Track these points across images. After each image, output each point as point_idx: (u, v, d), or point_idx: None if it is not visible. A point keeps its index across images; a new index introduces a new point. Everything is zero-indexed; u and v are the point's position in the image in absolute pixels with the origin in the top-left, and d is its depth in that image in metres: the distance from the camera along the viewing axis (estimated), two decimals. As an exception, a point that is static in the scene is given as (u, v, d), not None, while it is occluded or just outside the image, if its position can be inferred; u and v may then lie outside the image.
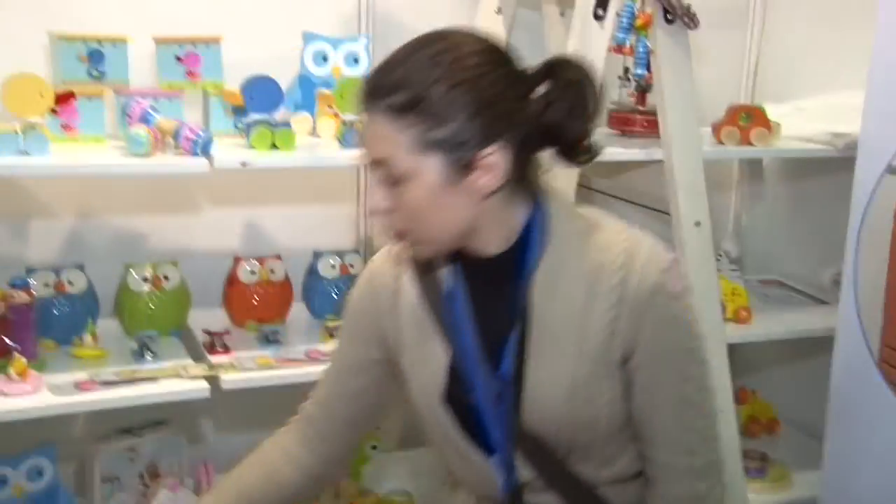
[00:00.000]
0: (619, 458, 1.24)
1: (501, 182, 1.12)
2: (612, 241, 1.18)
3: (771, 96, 2.59)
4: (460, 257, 1.21)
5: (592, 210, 1.27)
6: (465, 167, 1.10)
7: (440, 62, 1.08)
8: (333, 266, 2.11)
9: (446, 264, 1.24)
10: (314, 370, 1.83)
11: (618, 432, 1.21)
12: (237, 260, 2.06)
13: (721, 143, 2.18)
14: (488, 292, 1.20)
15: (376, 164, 1.12)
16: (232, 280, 2.06)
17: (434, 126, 1.08)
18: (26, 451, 1.88)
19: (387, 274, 1.30)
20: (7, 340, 1.72)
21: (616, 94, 2.31)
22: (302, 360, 1.86)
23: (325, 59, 2.03)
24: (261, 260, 2.07)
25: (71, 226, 2.09)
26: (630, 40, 1.95)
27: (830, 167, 2.32)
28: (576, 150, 1.18)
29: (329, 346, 1.94)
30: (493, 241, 1.18)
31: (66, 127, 1.79)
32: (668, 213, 2.02)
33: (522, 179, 1.17)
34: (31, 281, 1.86)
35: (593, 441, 1.21)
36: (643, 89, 2.21)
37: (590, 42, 1.93)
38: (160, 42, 1.90)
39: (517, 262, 1.19)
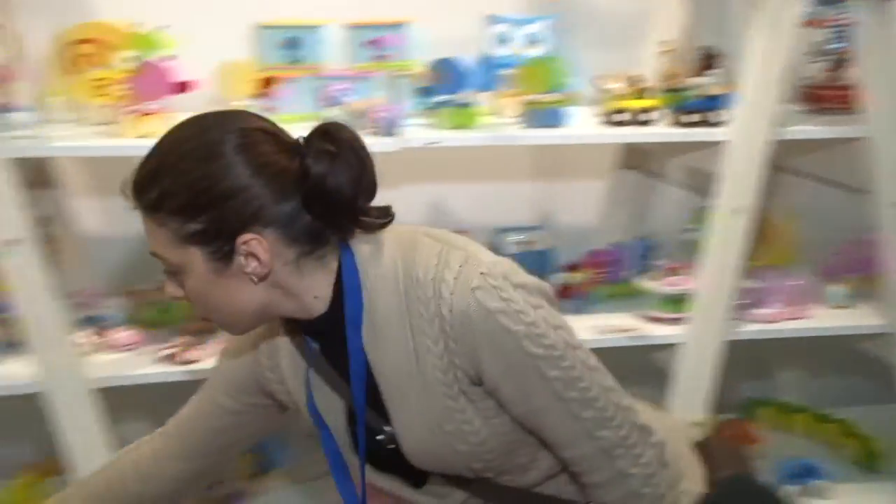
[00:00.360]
0: (537, 462, 1.19)
1: (273, 264, 1.09)
2: (424, 270, 1.11)
3: None
4: (294, 321, 1.20)
5: (410, 233, 1.17)
6: (225, 255, 1.09)
7: (185, 155, 1.07)
8: (519, 242, 2.14)
9: (288, 328, 1.24)
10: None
11: (518, 443, 1.17)
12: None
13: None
14: (337, 350, 1.17)
15: (154, 256, 1.13)
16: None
17: (186, 221, 1.07)
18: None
19: (262, 333, 1.29)
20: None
21: (807, 69, 2.21)
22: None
23: (507, 40, 2.06)
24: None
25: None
26: (827, 13, 1.86)
27: None
28: (354, 217, 1.13)
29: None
30: (307, 306, 1.15)
31: (268, 109, 1.92)
32: (868, 192, 1.93)
33: (311, 247, 1.11)
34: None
35: (496, 459, 1.16)
36: (839, 63, 2.10)
37: (780, 15, 1.86)
38: (352, 26, 2.00)
39: (342, 318, 1.15)
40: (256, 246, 1.08)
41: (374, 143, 1.80)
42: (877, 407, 2.26)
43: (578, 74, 2.12)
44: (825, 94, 2.14)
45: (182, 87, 1.77)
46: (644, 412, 1.18)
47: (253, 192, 1.06)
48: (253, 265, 1.09)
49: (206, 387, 1.36)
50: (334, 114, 1.79)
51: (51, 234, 2.00)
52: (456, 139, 1.85)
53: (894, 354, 1.98)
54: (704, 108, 1.92)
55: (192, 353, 1.77)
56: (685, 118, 1.94)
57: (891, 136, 1.88)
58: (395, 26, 2.02)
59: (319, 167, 1.07)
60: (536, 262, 2.09)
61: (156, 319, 1.92)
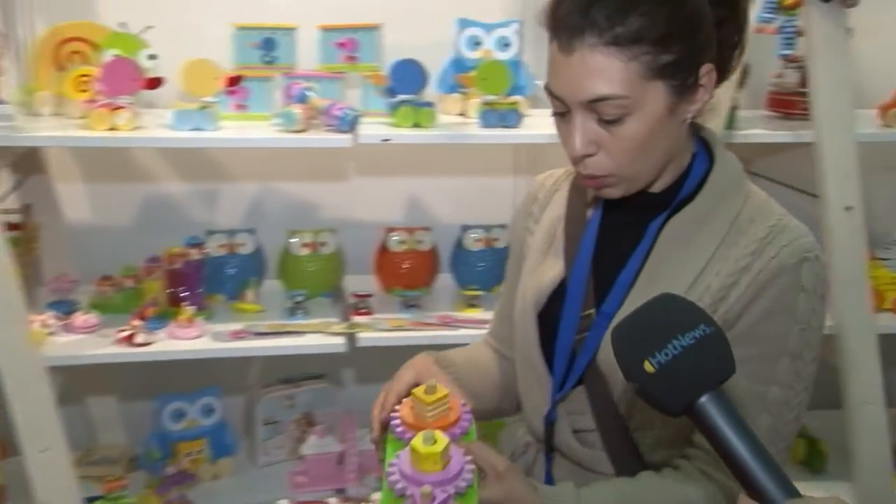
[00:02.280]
0: (667, 423, 1.17)
1: (705, 103, 1.11)
2: (764, 212, 1.14)
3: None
4: None
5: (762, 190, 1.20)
6: (686, 90, 1.08)
7: None
8: (478, 239, 2.21)
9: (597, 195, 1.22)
10: (443, 333, 1.98)
11: None
12: (387, 230, 2.22)
13: (887, 125, 2.05)
14: (619, 228, 1.19)
15: (594, 102, 1.06)
16: (381, 248, 2.22)
17: (661, 51, 1.04)
18: (199, 390, 2.15)
19: (546, 188, 1.33)
20: (179, 292, 1.98)
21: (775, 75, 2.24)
22: (433, 323, 2.00)
23: (477, 43, 2.13)
24: (410, 230, 2.21)
25: (250, 195, 2.34)
26: (775, 20, 1.89)
27: None
28: (731, 64, 1.15)
29: (466, 314, 2.07)
30: (666, 177, 1.16)
31: (238, 106, 2.02)
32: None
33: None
34: (207, 241, 2.12)
35: None
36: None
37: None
38: (324, 28, 2.09)
39: (662, 203, 1.16)
40: (712, 76, 1.10)
41: (330, 140, 1.90)
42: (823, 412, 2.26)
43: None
44: (790, 101, 2.16)
45: (151, 83, 1.88)
46: None
47: (707, 23, 1.08)
48: (705, 98, 1.10)
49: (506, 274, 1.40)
50: (291, 110, 1.88)
51: (34, 221, 2.14)
52: (410, 137, 1.93)
53: (839, 358, 2.00)
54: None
55: (145, 336, 1.86)
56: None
57: (838, 140, 1.89)
58: (367, 30, 2.10)
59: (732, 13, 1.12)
60: (497, 258, 2.15)
61: (117, 305, 2.02)
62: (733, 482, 0.93)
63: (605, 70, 1.04)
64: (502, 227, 2.28)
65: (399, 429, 1.04)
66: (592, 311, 1.19)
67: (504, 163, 2.41)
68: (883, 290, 2.13)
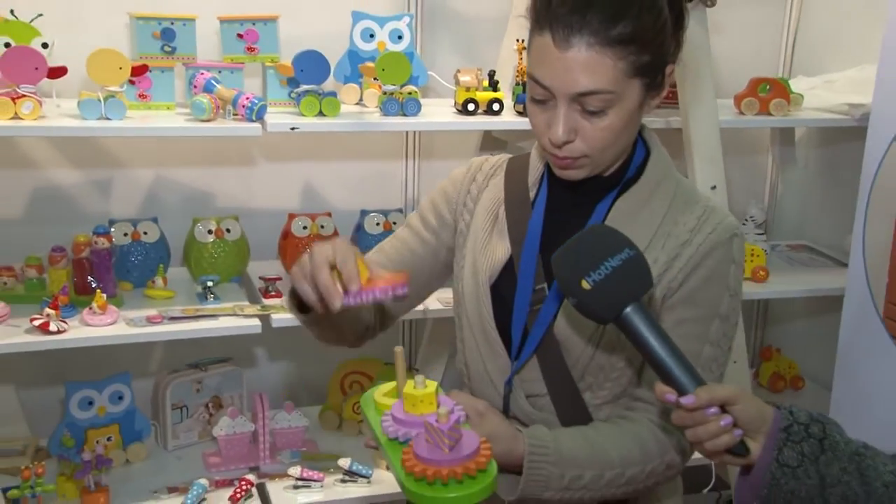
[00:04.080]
0: (616, 382, 1.31)
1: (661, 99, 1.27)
2: (695, 196, 1.32)
3: (808, 69, 2.70)
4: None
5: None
6: (654, 87, 1.23)
7: None
8: (378, 223, 2.32)
9: (539, 177, 1.36)
10: (353, 312, 2.08)
11: (630, 361, 1.29)
12: (291, 216, 2.30)
13: (742, 112, 2.30)
14: (566, 209, 1.31)
15: (583, 95, 1.18)
16: (286, 234, 2.30)
17: (642, 53, 1.18)
18: (108, 377, 2.16)
19: (484, 171, 1.43)
20: (90, 280, 2.00)
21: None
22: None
23: (372, 35, 2.24)
24: (312, 216, 2.30)
25: (148, 183, 2.36)
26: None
27: (857, 136, 2.41)
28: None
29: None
30: (617, 161, 1.30)
31: (141, 95, 2.05)
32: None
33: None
34: (112, 230, 2.13)
35: (607, 363, 1.28)
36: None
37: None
38: (224, 20, 2.14)
39: (609, 186, 1.31)
40: (672, 76, 1.25)
41: (240, 129, 1.96)
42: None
43: (440, 68, 2.33)
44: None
45: (53, 72, 1.89)
46: None
47: (669, 27, 1.22)
48: (662, 95, 1.25)
49: (406, 223, 1.48)
50: (202, 100, 1.93)
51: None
52: (317, 126, 2.02)
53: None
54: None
55: (59, 325, 1.88)
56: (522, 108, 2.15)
57: (703, 127, 2.12)
58: (266, 21, 2.17)
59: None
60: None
61: (21, 295, 2.02)
62: (673, 427, 1.13)
63: (597, 66, 1.16)
64: (399, 210, 2.41)
65: (391, 429, 1.10)
66: (545, 284, 1.32)
67: (397, 149, 2.53)
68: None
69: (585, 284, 1.10)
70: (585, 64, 1.16)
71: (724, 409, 1.08)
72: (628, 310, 1.10)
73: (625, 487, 1.27)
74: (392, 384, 1.17)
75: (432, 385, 1.08)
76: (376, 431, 1.11)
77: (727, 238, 1.28)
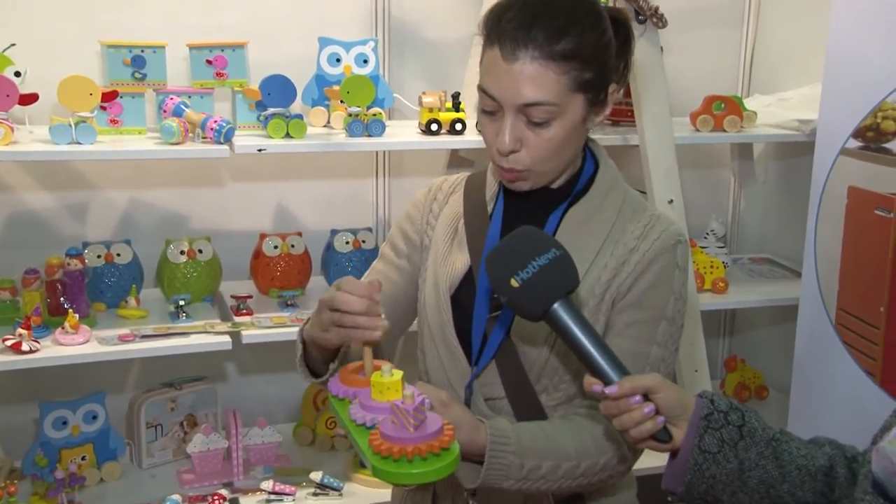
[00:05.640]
0: (571, 383, 1.37)
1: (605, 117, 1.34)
2: (641, 206, 1.40)
3: (765, 88, 2.79)
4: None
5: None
6: (599, 103, 1.31)
7: (588, 11, 1.28)
8: (347, 242, 2.38)
9: (496, 192, 1.43)
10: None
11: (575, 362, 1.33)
12: (262, 236, 2.36)
13: (697, 129, 2.38)
14: (521, 221, 1.32)
15: (528, 106, 1.25)
16: (257, 253, 2.35)
17: (585, 69, 1.25)
18: (82, 397, 2.20)
19: (444, 190, 1.51)
20: (63, 301, 2.04)
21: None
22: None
23: (338, 60, 2.30)
24: (283, 236, 2.36)
25: (122, 206, 2.41)
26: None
27: (810, 150, 2.48)
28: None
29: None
30: (564, 175, 1.37)
31: (112, 121, 2.11)
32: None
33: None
34: (86, 252, 2.18)
35: (562, 365, 1.35)
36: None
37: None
38: (193, 47, 2.20)
39: (560, 197, 1.38)
40: (615, 95, 1.32)
41: (208, 151, 2.02)
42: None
43: (408, 91, 2.40)
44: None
45: (25, 99, 1.95)
46: None
47: (613, 48, 1.30)
48: (606, 112, 1.33)
49: (380, 256, 1.54)
50: (171, 124, 1.99)
51: None
52: (283, 147, 2.08)
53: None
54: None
55: (32, 344, 1.92)
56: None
57: (659, 143, 2.20)
58: (234, 48, 2.23)
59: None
60: (366, 259, 2.33)
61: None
62: None
63: (541, 79, 1.24)
64: (369, 229, 2.46)
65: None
66: None
67: (368, 169, 2.59)
68: (703, 273, 2.46)
69: (514, 283, 1.17)
70: (531, 76, 1.24)
71: (647, 397, 1.15)
72: (555, 306, 1.17)
73: (580, 479, 1.33)
74: (359, 363, 1.22)
75: (398, 374, 1.14)
76: (344, 419, 1.16)
77: (672, 244, 1.36)
